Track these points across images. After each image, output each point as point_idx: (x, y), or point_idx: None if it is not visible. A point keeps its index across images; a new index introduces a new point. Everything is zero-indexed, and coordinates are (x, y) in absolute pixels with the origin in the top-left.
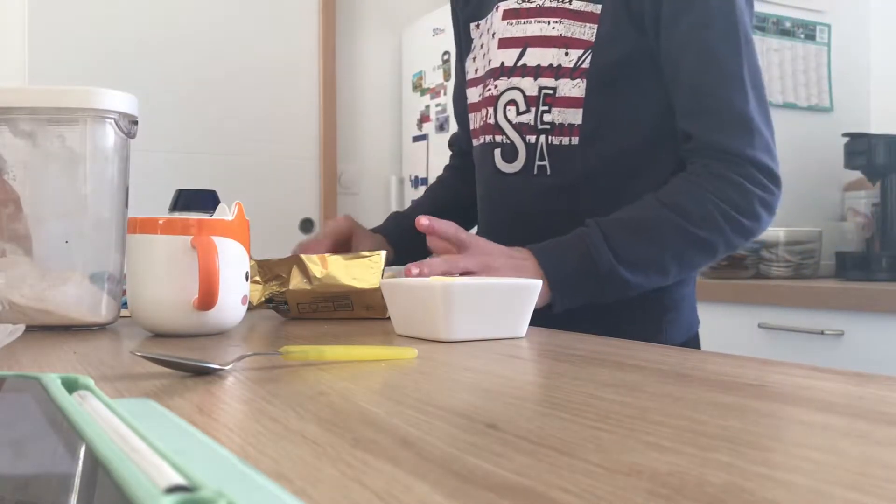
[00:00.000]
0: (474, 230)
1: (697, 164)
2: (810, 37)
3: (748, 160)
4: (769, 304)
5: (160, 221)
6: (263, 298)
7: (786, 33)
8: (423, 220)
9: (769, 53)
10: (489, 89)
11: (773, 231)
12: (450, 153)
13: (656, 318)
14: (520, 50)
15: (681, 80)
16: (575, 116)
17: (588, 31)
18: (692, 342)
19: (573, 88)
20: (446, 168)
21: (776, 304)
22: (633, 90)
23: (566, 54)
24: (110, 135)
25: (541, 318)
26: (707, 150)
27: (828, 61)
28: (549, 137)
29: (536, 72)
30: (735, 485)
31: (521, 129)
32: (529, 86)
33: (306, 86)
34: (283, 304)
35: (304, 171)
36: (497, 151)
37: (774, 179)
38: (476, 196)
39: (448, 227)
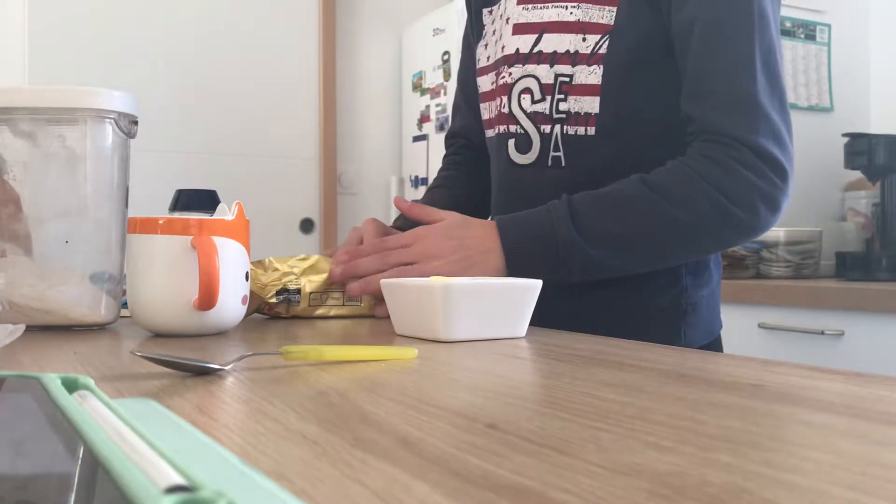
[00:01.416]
0: None
1: (694, 149)
2: (810, 37)
3: (749, 146)
4: (769, 304)
5: (160, 221)
6: (274, 292)
7: (786, 33)
8: (404, 205)
9: None
10: (503, 77)
11: (773, 231)
12: (447, 149)
13: (674, 322)
14: (535, 36)
15: (687, 58)
16: (592, 105)
17: (607, 15)
18: (714, 345)
19: (590, 75)
20: (450, 165)
21: (776, 304)
22: (652, 76)
23: (583, 40)
24: (110, 135)
25: (544, 318)
26: (706, 134)
27: (828, 61)
28: (565, 127)
29: (552, 58)
30: (735, 485)
31: (535, 118)
32: (545, 73)
33: (306, 86)
34: (296, 294)
35: (304, 172)
36: (511, 142)
37: (780, 172)
38: (480, 192)
39: (427, 214)
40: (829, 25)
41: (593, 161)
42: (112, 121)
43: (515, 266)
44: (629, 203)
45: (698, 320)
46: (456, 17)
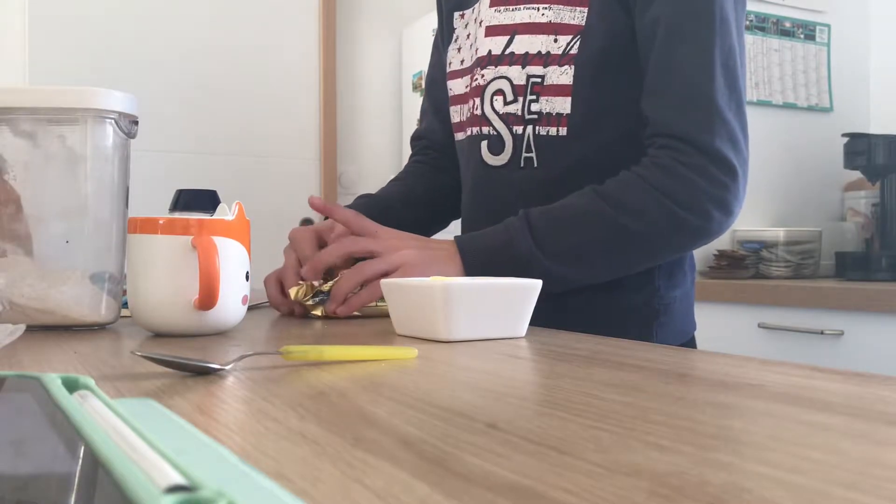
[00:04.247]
0: (440, 234)
1: (647, 157)
2: (810, 37)
3: (702, 149)
4: (769, 304)
5: (160, 221)
6: (310, 295)
7: (786, 33)
8: (316, 200)
9: (769, 53)
10: (476, 79)
11: (773, 231)
12: (412, 150)
13: (647, 322)
14: (507, 38)
15: (650, 57)
16: (563, 105)
17: (578, 16)
18: (688, 346)
19: (561, 76)
20: (411, 165)
21: (776, 304)
22: (623, 77)
23: (555, 40)
24: (110, 135)
25: (537, 318)
26: (661, 137)
27: (828, 61)
28: (537, 128)
29: (524, 60)
30: (735, 485)
31: (507, 119)
32: (517, 74)
33: (306, 86)
34: (326, 295)
35: (304, 172)
36: (484, 143)
37: (731, 174)
38: (437, 191)
39: (346, 213)
40: (829, 25)
41: (565, 161)
42: (112, 121)
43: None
44: (584, 215)
45: (671, 321)
46: None
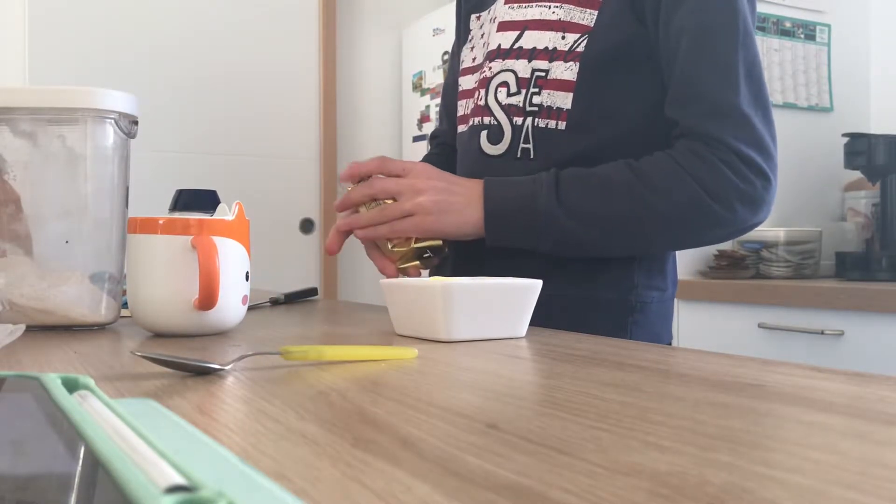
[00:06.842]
0: None
1: (681, 143)
2: (810, 37)
3: (731, 148)
4: (769, 304)
5: (160, 221)
6: (413, 249)
7: (786, 33)
8: (345, 174)
9: (769, 53)
10: (483, 72)
11: (773, 231)
12: (430, 145)
13: (621, 316)
14: (518, 33)
15: (674, 66)
16: (564, 100)
17: (588, 17)
18: None
19: (566, 71)
20: (429, 155)
21: (776, 304)
22: (626, 80)
23: (563, 38)
24: (110, 135)
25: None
26: (691, 134)
27: (828, 61)
28: (536, 120)
29: (531, 54)
30: (735, 485)
31: (509, 110)
32: (523, 68)
33: (306, 86)
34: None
35: (304, 172)
36: (484, 133)
37: (761, 176)
38: None
39: (371, 162)
40: (829, 25)
41: (561, 155)
42: (112, 121)
43: (493, 226)
44: (612, 185)
45: (645, 321)
46: None
